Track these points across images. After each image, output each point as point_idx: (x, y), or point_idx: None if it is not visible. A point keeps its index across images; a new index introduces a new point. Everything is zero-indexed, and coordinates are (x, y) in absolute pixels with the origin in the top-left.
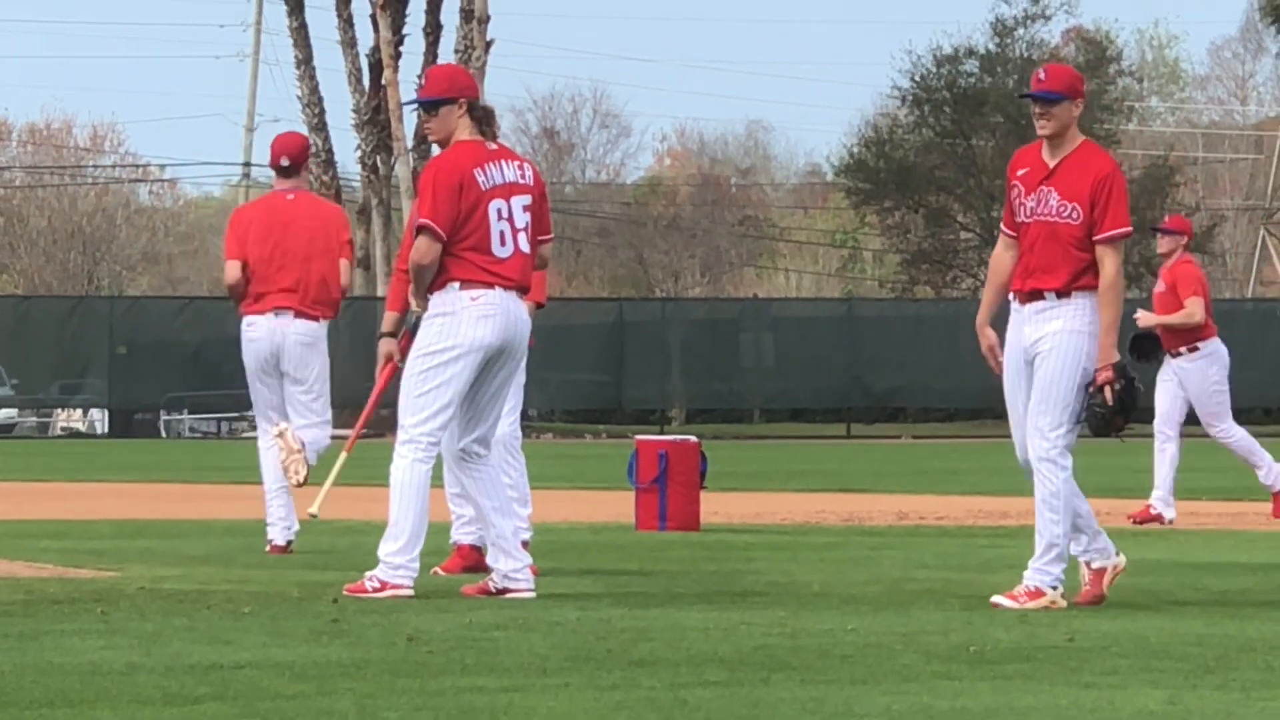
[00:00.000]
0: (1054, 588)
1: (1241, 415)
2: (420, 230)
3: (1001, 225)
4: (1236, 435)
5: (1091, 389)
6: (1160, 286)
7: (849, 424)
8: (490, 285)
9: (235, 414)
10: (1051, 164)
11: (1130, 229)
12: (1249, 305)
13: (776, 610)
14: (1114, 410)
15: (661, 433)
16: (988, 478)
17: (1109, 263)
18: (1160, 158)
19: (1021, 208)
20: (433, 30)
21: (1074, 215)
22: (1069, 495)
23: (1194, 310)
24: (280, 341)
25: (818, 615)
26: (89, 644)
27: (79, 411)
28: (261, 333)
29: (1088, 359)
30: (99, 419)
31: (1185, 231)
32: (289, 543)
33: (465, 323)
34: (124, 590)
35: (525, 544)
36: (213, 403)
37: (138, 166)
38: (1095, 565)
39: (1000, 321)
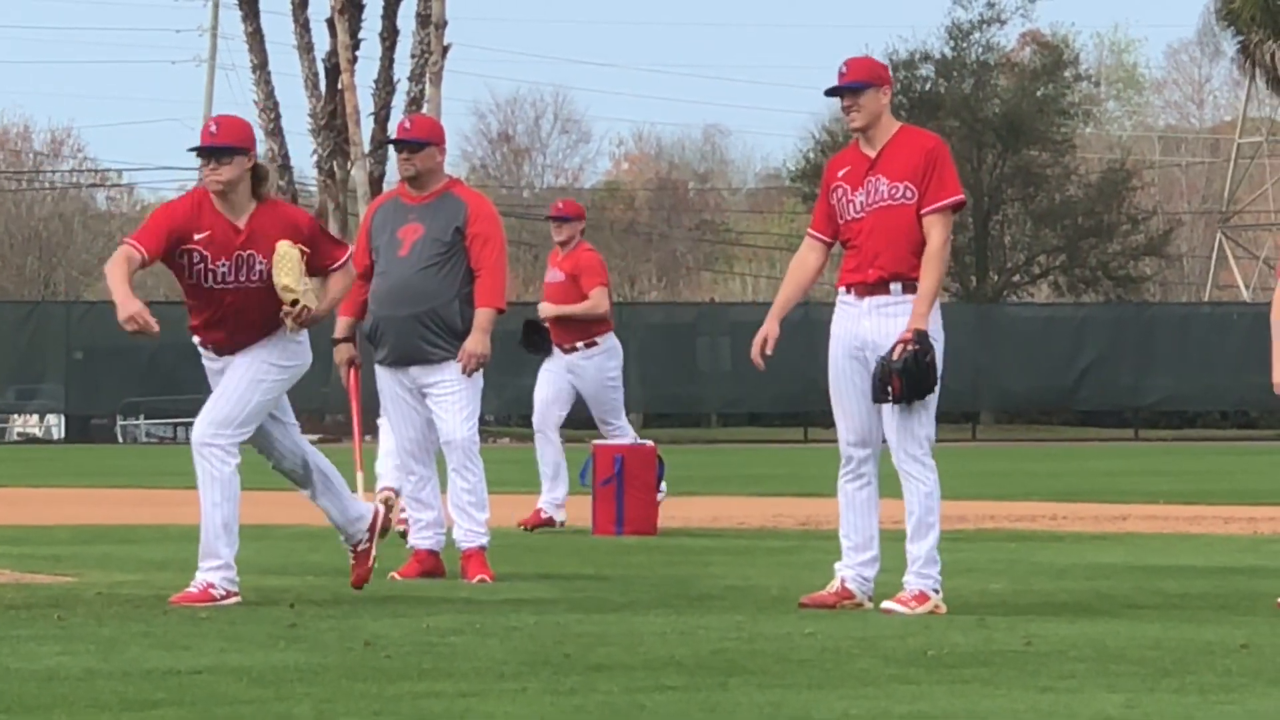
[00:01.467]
0: (936, 591)
1: (1198, 419)
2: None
3: (809, 229)
4: (630, 435)
5: (883, 355)
6: (557, 276)
7: (806, 428)
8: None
9: (191, 419)
10: (873, 154)
11: (963, 197)
12: (1205, 309)
13: (734, 614)
14: (897, 369)
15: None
16: (945, 482)
17: (936, 232)
18: (1117, 162)
19: (850, 205)
20: (389, 35)
21: (908, 195)
22: (938, 497)
23: (599, 301)
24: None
25: (775, 619)
26: (46, 649)
27: (35, 417)
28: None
29: (938, 357)
30: (55, 424)
31: (581, 216)
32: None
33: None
34: (81, 596)
35: (483, 549)
36: (169, 408)
37: (95, 171)
38: (848, 585)
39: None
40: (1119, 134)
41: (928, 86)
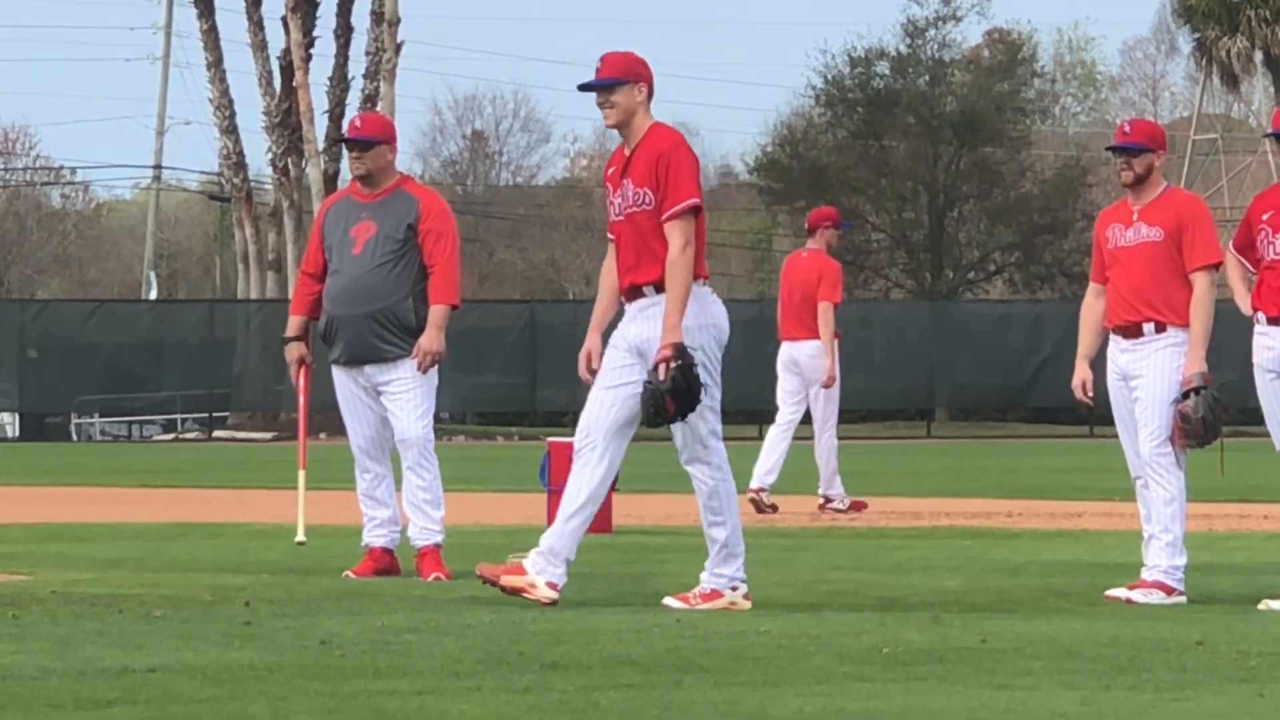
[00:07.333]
0: (733, 588)
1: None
2: None
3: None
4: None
5: (648, 372)
6: None
7: (761, 425)
8: None
9: (146, 417)
10: (628, 152)
11: (697, 200)
12: None
13: (688, 612)
14: (665, 390)
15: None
16: (900, 479)
17: (675, 238)
18: (1072, 158)
19: (611, 207)
20: (343, 33)
21: (647, 200)
22: (729, 493)
23: None
24: (796, 355)
25: (730, 617)
26: (0, 648)
27: None
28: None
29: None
30: (10, 422)
31: None
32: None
33: None
34: (35, 594)
35: (438, 547)
36: (123, 406)
37: (49, 169)
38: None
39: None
40: (1075, 131)
41: (884, 83)
